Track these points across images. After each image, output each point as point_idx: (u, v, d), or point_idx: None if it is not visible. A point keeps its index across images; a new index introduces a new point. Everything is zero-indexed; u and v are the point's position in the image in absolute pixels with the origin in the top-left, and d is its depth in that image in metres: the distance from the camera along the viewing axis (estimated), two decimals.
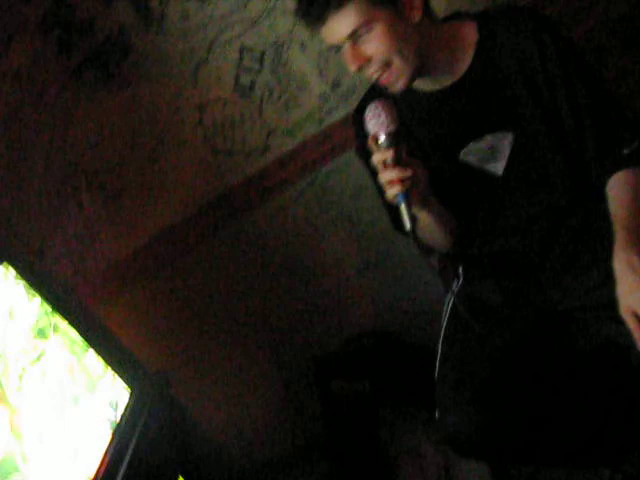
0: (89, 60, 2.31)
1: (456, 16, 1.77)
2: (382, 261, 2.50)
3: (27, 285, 1.68)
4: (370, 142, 1.54)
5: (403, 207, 1.54)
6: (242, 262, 2.50)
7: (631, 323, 1.46)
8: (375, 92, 1.78)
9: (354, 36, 1.55)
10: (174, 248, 2.48)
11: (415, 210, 1.61)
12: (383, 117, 1.50)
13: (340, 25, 1.54)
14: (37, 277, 1.72)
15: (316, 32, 1.60)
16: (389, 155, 1.51)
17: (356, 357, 2.46)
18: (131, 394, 1.90)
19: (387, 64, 1.59)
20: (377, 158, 1.53)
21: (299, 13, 1.59)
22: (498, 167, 1.75)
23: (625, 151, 1.67)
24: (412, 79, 1.63)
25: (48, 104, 2.39)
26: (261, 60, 2.28)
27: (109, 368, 1.88)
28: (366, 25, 1.53)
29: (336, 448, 2.38)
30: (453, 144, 1.75)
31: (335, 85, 2.29)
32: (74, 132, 2.40)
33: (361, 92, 2.05)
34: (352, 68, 1.60)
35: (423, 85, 1.72)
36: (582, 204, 1.77)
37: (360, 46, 1.57)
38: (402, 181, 1.52)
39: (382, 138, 1.52)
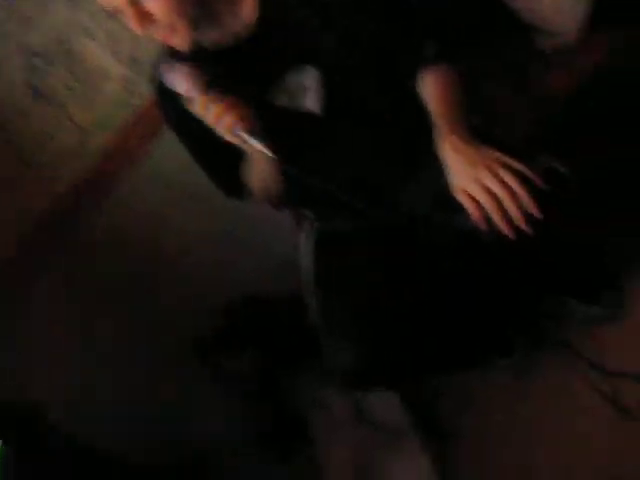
0: None
1: None
2: (233, 230, 2.45)
3: None
4: (188, 103, 1.53)
5: (247, 137, 1.53)
6: (96, 269, 2.37)
7: (467, 203, 1.46)
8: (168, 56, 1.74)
9: None
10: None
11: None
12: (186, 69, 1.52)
13: None
14: None
15: None
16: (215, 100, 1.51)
17: (235, 329, 2.38)
18: None
19: (172, 25, 1.55)
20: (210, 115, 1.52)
21: None
22: (310, 102, 1.73)
23: (429, 52, 1.72)
24: (192, 34, 1.59)
25: None
26: (52, 60, 2.18)
27: None
28: None
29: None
30: (258, 91, 1.71)
31: (133, 63, 2.23)
32: None
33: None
34: (138, 30, 1.54)
35: (214, 39, 1.69)
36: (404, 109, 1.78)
37: (140, 4, 1.51)
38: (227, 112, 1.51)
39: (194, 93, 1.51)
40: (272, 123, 1.67)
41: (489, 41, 2.11)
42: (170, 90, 1.58)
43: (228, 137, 1.54)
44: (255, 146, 1.54)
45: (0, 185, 2.25)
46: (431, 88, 1.70)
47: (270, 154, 1.54)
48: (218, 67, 1.70)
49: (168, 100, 1.73)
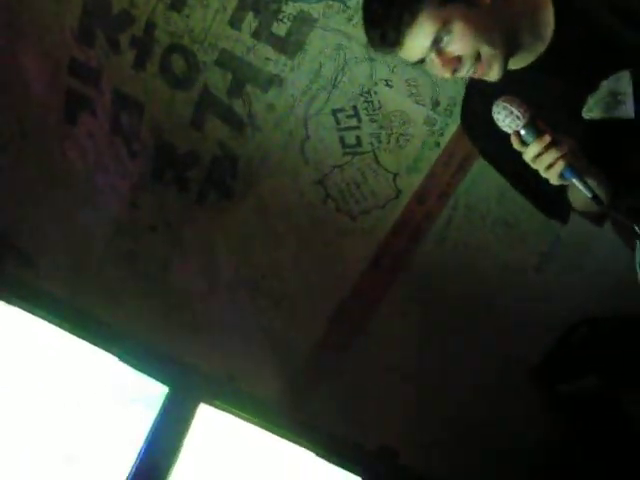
0: (206, 184, 2.39)
1: None
2: (556, 250, 2.37)
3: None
4: (515, 140, 1.46)
5: (575, 181, 1.46)
6: (423, 306, 2.47)
7: None
8: (474, 89, 1.71)
9: (436, 43, 1.48)
10: (355, 320, 2.49)
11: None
12: (515, 111, 1.43)
13: (419, 38, 1.47)
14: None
15: (395, 55, 1.54)
16: (544, 143, 1.43)
17: (575, 353, 2.33)
18: None
19: (478, 57, 1.52)
20: (532, 152, 1.45)
21: (374, 45, 1.53)
22: (628, 109, 1.61)
23: None
24: (506, 62, 1.53)
25: (188, 241, 2.50)
26: (356, 114, 2.25)
27: None
28: (444, 27, 1.46)
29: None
30: (571, 108, 1.63)
31: (435, 105, 2.21)
32: (221, 252, 2.49)
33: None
34: (446, 75, 1.52)
35: (518, 62, 1.61)
36: None
37: (445, 50, 1.50)
38: (562, 158, 1.44)
39: (524, 131, 1.44)
40: (589, 142, 1.57)
41: None
42: (480, 125, 1.53)
43: (546, 174, 1.47)
44: (577, 187, 1.46)
45: (328, 235, 2.41)
46: None
47: (591, 197, 1.46)
48: (528, 88, 1.65)
49: (480, 135, 1.73)
